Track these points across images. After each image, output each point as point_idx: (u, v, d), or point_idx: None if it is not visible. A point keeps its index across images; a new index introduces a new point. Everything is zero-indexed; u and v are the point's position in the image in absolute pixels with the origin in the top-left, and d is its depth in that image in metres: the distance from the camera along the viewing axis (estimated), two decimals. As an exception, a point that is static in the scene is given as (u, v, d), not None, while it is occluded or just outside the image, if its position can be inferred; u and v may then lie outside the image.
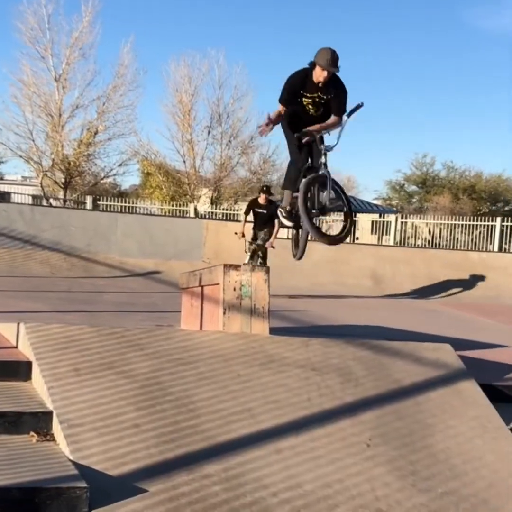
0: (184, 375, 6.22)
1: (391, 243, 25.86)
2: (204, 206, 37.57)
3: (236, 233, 14.67)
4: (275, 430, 5.65)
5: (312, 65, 7.22)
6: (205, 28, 77.94)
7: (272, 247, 14.29)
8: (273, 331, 7.41)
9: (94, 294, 12.61)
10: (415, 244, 29.27)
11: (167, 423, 5.52)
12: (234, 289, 7.28)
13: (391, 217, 28.00)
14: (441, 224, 28.80)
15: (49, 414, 5.45)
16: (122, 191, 53.29)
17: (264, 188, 14.42)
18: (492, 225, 24.63)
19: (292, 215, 8.14)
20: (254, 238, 14.52)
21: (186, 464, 5.12)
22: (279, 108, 7.48)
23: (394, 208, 40.38)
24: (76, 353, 6.24)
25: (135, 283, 15.36)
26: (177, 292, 9.79)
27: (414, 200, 48.72)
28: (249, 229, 15.10)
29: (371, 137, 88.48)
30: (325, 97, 7.38)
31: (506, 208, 44.16)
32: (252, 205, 14.42)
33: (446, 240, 28.66)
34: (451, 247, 26.07)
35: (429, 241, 29.52)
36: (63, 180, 37.24)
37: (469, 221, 27.59)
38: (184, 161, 40.98)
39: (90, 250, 17.37)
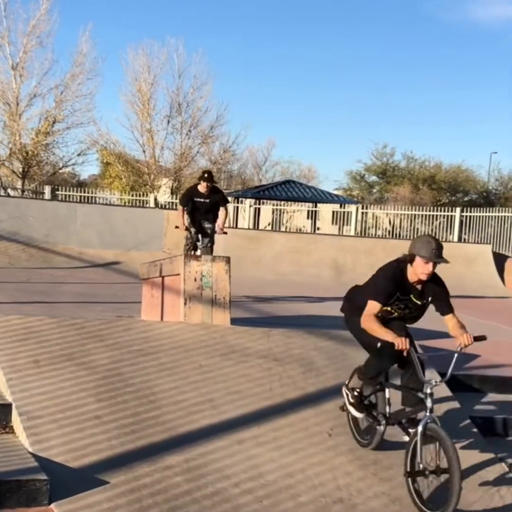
0: (145, 366, 6.19)
1: (352, 233, 25.99)
2: (164, 196, 37.39)
3: (177, 227, 12.29)
4: (237, 421, 5.65)
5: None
6: (164, 16, 77.44)
7: (224, 233, 12.28)
8: (235, 321, 7.40)
9: (54, 285, 12.47)
10: (375, 235, 29.44)
11: (128, 414, 5.49)
12: (195, 280, 7.26)
13: (351, 208, 28.15)
14: (401, 214, 29.00)
15: (8, 406, 5.39)
16: (81, 181, 52.85)
17: (205, 175, 11.80)
18: (451, 216, 24.86)
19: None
20: (199, 231, 11.95)
21: (148, 455, 5.10)
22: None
23: (355, 199, 40.52)
24: (35, 345, 6.18)
25: (95, 274, 15.23)
26: (138, 282, 9.72)
27: (374, 190, 48.97)
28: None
29: (332, 126, 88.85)
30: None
31: (466, 199, 44.56)
32: (191, 194, 11.83)
33: (407, 231, 28.88)
34: (412, 237, 26.25)
35: (389, 231, 29.73)
36: (21, 169, 36.75)
37: (429, 211, 27.83)
38: (144, 151, 40.72)
39: (49, 240, 17.17)
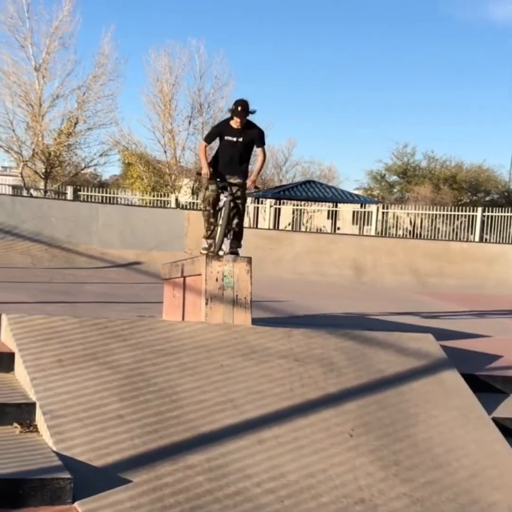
0: (167, 365, 6.22)
1: (372, 233, 25.95)
2: (185, 196, 37.50)
3: (199, 174, 9.20)
4: (258, 421, 5.66)
5: None
6: (186, 17, 77.62)
7: (257, 188, 9.48)
8: (256, 321, 7.41)
9: (76, 285, 12.55)
10: (396, 234, 29.35)
11: (150, 413, 5.52)
12: (216, 280, 7.28)
13: (372, 207, 28.09)
14: (422, 214, 28.90)
15: (32, 405, 5.43)
16: (102, 181, 53.10)
17: (239, 107, 8.58)
18: (473, 215, 24.76)
19: None
20: (221, 186, 8.88)
21: (170, 454, 5.13)
22: None
23: (375, 198, 40.42)
24: (59, 344, 6.22)
25: (117, 274, 15.31)
26: (159, 283, 9.76)
27: (395, 190, 48.82)
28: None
29: (352, 126, 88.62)
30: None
31: (487, 199, 44.33)
32: (220, 130, 8.87)
33: (427, 230, 28.79)
34: (432, 237, 26.20)
35: (410, 231, 29.65)
36: (43, 170, 37.01)
37: (450, 211, 27.71)
38: (165, 151, 40.87)
39: (71, 240, 17.27)
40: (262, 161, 8.95)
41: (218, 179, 8.79)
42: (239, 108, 8.56)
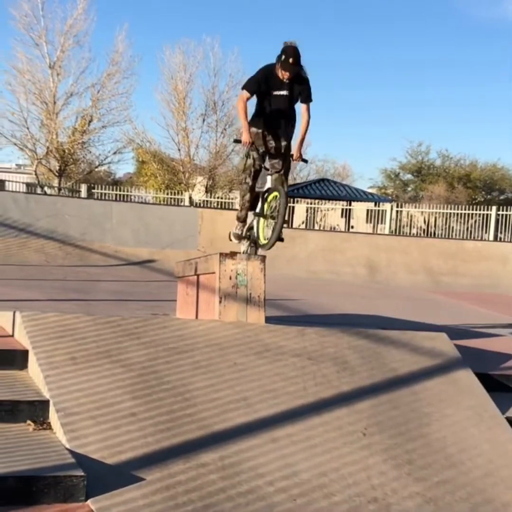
0: (180, 364, 6.22)
1: (386, 232, 25.89)
2: (199, 194, 37.55)
3: (237, 141, 7.62)
4: (271, 419, 5.65)
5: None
6: (200, 15, 77.64)
7: (304, 160, 7.73)
8: (269, 320, 7.41)
9: (90, 282, 12.59)
10: (410, 233, 29.29)
11: (163, 412, 5.52)
12: (230, 278, 7.27)
13: (386, 206, 28.01)
14: (436, 213, 28.81)
15: (45, 403, 5.44)
16: (116, 179, 53.24)
17: (289, 56, 7.05)
18: (487, 214, 24.66)
19: None
20: (263, 154, 7.55)
21: (183, 452, 5.13)
22: None
23: (389, 197, 40.36)
24: (72, 342, 6.24)
25: (130, 271, 15.34)
26: (173, 280, 9.78)
27: (409, 188, 48.72)
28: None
29: (366, 125, 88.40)
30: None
31: (501, 197, 44.17)
32: (266, 79, 7.27)
33: (441, 229, 28.69)
34: (446, 236, 26.12)
35: (424, 230, 29.58)
36: (57, 168, 37.16)
37: (464, 210, 27.60)
38: (179, 149, 40.96)
39: (85, 238, 17.32)
40: (307, 121, 7.36)
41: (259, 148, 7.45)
42: (290, 60, 7.01)
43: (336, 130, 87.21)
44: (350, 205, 32.36)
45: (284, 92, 7.27)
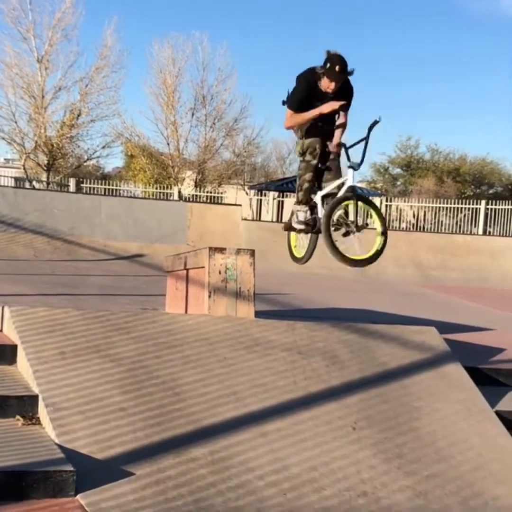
0: (169, 358, 6.21)
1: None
2: (188, 188, 37.49)
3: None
4: (261, 413, 5.65)
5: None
6: (189, 10, 77.44)
7: (337, 154, 7.17)
8: (259, 314, 7.40)
9: (79, 277, 12.55)
10: (399, 227, 29.31)
11: (153, 406, 5.51)
12: (219, 272, 7.26)
13: (375, 200, 28.02)
14: (425, 207, 28.86)
15: (34, 398, 5.42)
16: (105, 173, 53.12)
17: (335, 67, 6.47)
18: (476, 208, 24.73)
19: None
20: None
21: (173, 447, 5.12)
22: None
23: (379, 191, 40.37)
24: (61, 337, 6.21)
25: (119, 266, 15.30)
26: (162, 275, 9.75)
27: (398, 183, 48.78)
28: None
29: (355, 119, 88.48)
30: None
31: (491, 191, 44.27)
32: (308, 93, 6.74)
33: (431, 223, 28.76)
34: (436, 230, 26.16)
35: (413, 224, 29.61)
36: (46, 162, 37.00)
37: (454, 204, 27.66)
38: (168, 144, 40.85)
39: (74, 233, 17.26)
40: (344, 125, 6.98)
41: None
42: (337, 68, 6.39)
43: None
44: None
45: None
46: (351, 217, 6.72)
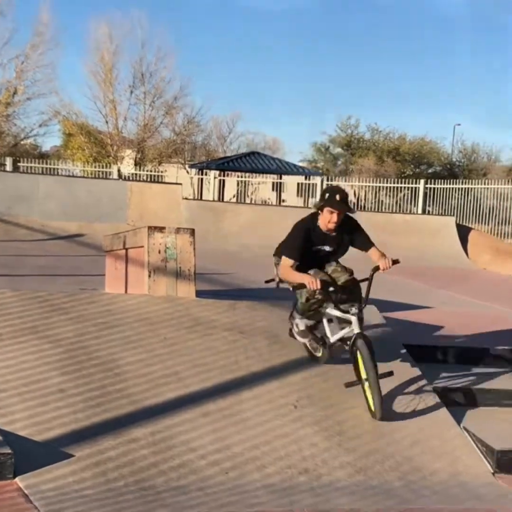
0: (109, 339, 6.15)
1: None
2: (127, 167, 37.07)
3: (296, 289, 5.82)
4: (203, 393, 5.64)
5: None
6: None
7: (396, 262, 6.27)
8: (200, 294, 7.37)
9: (16, 257, 12.33)
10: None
11: (93, 387, 5.46)
12: (159, 252, 7.20)
13: (316, 180, 28.12)
14: (366, 186, 29.08)
15: (-30, 381, 5.32)
16: (43, 152, 52.15)
17: (336, 196, 5.96)
18: (415, 188, 24.96)
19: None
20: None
21: (113, 428, 5.08)
22: None
23: (320, 171, 40.55)
24: (-3, 318, 6.11)
25: (58, 246, 15.06)
26: (101, 255, 9.63)
27: (339, 162, 49.02)
28: None
29: (297, 98, 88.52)
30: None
31: (430, 171, 44.76)
32: (306, 239, 6.11)
33: (371, 203, 28.98)
34: (376, 210, 26.36)
35: (354, 204, 29.80)
36: (-19, 141, 36.24)
37: (394, 183, 27.91)
38: (107, 122, 40.33)
39: (11, 213, 16.93)
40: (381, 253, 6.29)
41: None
42: (337, 196, 5.96)
43: (266, 103, 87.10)
44: (280, 178, 32.39)
45: (326, 248, 6.14)
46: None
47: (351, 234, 6.20)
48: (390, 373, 5.84)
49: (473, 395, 6.54)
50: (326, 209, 5.96)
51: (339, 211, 5.94)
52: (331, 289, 5.91)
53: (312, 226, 6.10)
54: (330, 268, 6.23)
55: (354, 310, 5.87)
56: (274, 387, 5.88)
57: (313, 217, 6.15)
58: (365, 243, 6.28)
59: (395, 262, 6.11)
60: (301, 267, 6.02)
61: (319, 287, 5.69)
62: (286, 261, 6.07)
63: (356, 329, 5.78)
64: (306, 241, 6.05)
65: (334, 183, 28.22)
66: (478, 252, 17.67)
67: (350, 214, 6.18)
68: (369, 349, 5.68)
